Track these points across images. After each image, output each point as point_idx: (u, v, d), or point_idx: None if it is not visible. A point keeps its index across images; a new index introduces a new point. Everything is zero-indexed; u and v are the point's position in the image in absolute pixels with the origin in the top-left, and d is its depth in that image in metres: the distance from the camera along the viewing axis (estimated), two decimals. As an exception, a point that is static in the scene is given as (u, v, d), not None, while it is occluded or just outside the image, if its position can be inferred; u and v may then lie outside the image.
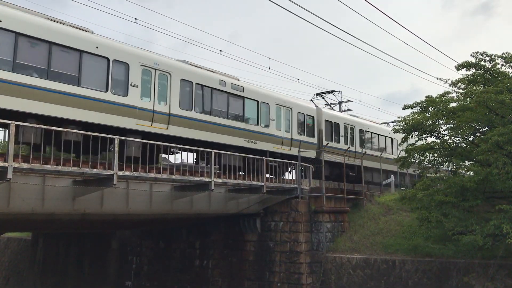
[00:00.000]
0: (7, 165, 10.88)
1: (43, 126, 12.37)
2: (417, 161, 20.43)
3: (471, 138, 19.52)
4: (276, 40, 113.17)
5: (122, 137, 13.96)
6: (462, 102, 19.00)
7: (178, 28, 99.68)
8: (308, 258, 19.73)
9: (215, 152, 16.52)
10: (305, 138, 24.14)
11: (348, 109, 45.41)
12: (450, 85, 19.99)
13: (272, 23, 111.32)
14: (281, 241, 20.08)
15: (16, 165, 11.16)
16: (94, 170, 12.95)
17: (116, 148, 13.19)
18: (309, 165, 21.78)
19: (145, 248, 24.27)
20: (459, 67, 19.65)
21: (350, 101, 45.64)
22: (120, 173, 13.38)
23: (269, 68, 39.93)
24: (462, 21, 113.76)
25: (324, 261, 19.76)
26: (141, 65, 16.74)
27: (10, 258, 31.15)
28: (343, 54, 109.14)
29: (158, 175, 14.84)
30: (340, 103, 45.54)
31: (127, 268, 24.50)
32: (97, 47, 15.46)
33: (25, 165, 11.48)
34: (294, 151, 22.51)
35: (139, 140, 15.11)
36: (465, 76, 19.73)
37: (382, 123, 35.91)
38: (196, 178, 16.10)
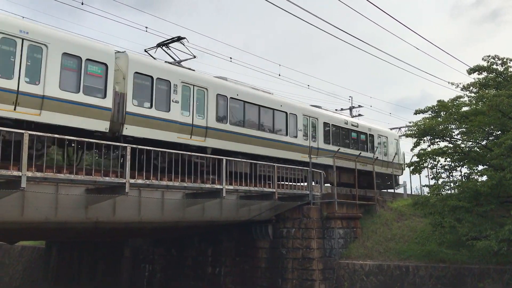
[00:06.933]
0: (21, 174, 11.01)
1: (56, 135, 12.48)
2: (429, 166, 20.29)
3: (484, 142, 19.36)
4: (286, 47, 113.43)
5: (134, 145, 14.04)
6: (474, 106, 18.88)
7: (193, 38, 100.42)
8: (321, 264, 19.61)
9: (226, 160, 16.52)
10: (79, 97, 14.68)
11: (359, 115, 45.36)
12: (461, 89, 19.89)
13: (282, 30, 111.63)
14: (293, 248, 20.00)
15: (29, 174, 11.29)
16: (107, 178, 13.03)
17: (128, 156, 13.26)
18: (320, 171, 21.68)
19: (157, 256, 24.31)
20: (471, 71, 19.53)
21: (361, 106, 45.61)
22: (132, 181, 13.46)
23: (279, 75, 40.10)
24: (471, 28, 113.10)
25: (337, 267, 19.64)
26: None
27: (25, 267, 31.38)
28: (353, 60, 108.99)
29: (170, 183, 14.89)
30: (351, 108, 45.51)
31: (140, 276, 24.55)
32: None
33: (38, 174, 11.60)
34: (47, 118, 13.92)
35: (152, 148, 15.17)
36: (477, 80, 19.60)
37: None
38: (208, 185, 16.13)
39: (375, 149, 28.46)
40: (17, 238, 24.80)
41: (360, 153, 25.90)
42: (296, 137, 22.72)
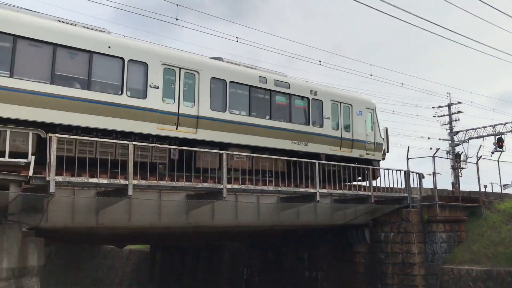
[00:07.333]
0: (127, 183, 11.81)
1: (158, 145, 13.22)
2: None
3: None
4: (377, 46, 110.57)
5: (229, 152, 14.47)
6: None
7: (282, 44, 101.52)
8: (423, 270, 18.78)
9: (318, 163, 16.41)
10: None
11: (459, 111, 42.96)
12: None
13: (372, 29, 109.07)
14: (393, 253, 19.35)
15: (135, 182, 12.06)
16: (205, 185, 13.58)
17: (225, 163, 13.70)
18: (420, 172, 20.72)
19: (255, 259, 24.75)
20: None
21: (460, 102, 43.20)
22: (229, 186, 13.86)
23: (371, 75, 38.98)
24: None
25: (440, 273, 18.68)
26: None
27: (132, 269, 33.45)
28: (450, 55, 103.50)
29: (265, 187, 15.15)
30: (449, 105, 43.26)
31: (239, 279, 25.15)
32: None
33: (143, 182, 12.37)
34: None
35: (242, 153, 15.55)
36: None
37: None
38: (301, 190, 16.14)
39: (324, 121, 19.85)
40: (125, 242, 26.57)
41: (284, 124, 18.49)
42: (145, 98, 14.85)
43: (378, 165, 21.50)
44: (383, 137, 22.20)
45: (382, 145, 22.09)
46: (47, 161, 10.64)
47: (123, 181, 11.86)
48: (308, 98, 19.42)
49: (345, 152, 20.15)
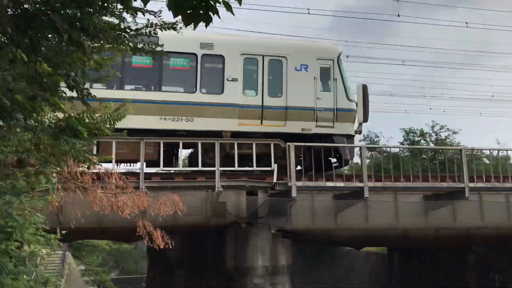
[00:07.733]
0: (363, 185, 12.00)
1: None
2: None
3: None
4: None
5: (471, 147, 13.38)
6: None
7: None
8: None
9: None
10: None
11: None
12: None
13: None
14: None
15: (370, 184, 12.22)
16: (444, 184, 12.93)
17: (464, 160, 12.79)
18: None
19: (507, 265, 22.16)
20: None
21: None
22: (472, 185, 12.89)
23: None
24: None
25: None
26: None
27: (371, 271, 33.59)
28: None
29: (514, 185, 13.60)
30: None
31: (488, 286, 22.90)
32: None
33: (378, 184, 12.45)
34: None
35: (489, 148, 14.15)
36: None
37: None
38: None
39: (225, 84, 14.18)
40: (362, 244, 26.84)
41: None
42: None
43: (350, 142, 15.07)
44: (353, 100, 15.31)
45: (352, 112, 15.17)
46: (288, 168, 11.52)
47: (358, 184, 12.10)
48: (195, 55, 14.06)
49: (271, 126, 14.29)
